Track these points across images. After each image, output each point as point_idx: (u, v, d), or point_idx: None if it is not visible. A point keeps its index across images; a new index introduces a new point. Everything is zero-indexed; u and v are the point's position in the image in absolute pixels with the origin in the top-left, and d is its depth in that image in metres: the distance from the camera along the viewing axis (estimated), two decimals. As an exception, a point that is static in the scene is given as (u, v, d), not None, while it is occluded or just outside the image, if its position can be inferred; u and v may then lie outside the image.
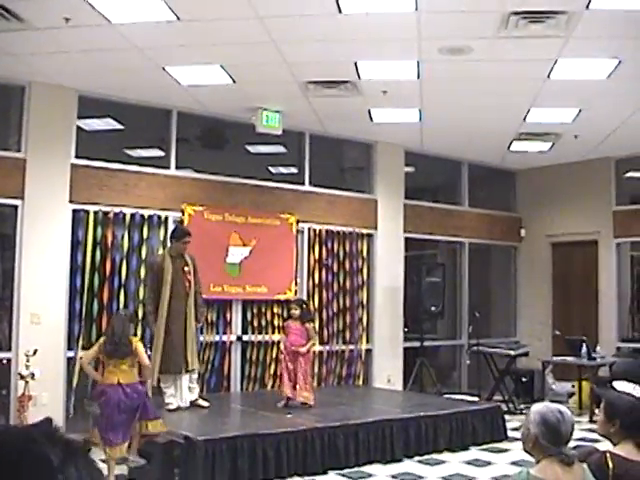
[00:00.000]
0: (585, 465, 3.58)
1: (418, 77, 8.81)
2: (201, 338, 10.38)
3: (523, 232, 14.66)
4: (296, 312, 9.66)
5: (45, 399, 8.89)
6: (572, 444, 3.59)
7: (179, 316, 8.89)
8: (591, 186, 13.48)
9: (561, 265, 14.22)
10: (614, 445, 3.98)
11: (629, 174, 13.43)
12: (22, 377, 8.55)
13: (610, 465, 3.74)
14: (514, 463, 8.16)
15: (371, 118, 10.73)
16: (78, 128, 9.74)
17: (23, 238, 9.12)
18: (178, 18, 7.09)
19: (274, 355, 10.82)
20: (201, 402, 9.11)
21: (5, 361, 9.10)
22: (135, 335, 8.11)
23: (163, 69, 8.67)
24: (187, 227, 9.76)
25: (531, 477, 3.31)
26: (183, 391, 8.94)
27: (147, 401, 7.20)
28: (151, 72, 8.77)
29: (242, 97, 9.84)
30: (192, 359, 8.95)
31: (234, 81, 9.07)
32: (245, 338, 10.73)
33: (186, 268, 8.92)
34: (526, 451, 3.60)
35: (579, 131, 11.28)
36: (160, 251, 9.72)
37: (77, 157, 9.61)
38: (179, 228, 9.61)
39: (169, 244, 9.36)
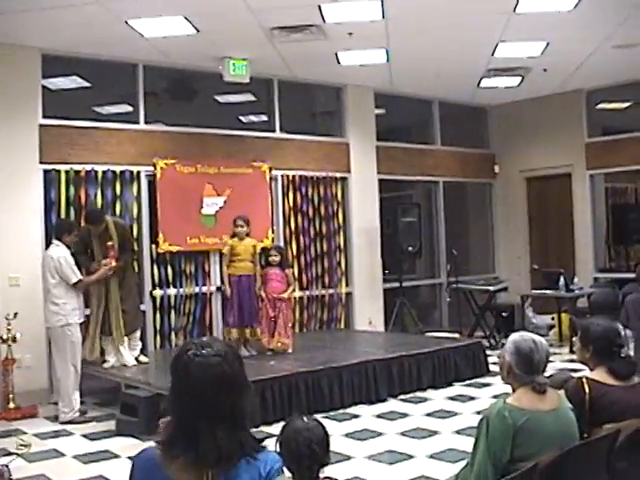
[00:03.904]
0: (561, 392, 3.66)
1: (383, 17, 8.72)
2: (181, 291, 10.45)
3: (497, 168, 14.69)
4: (276, 259, 9.72)
5: (29, 361, 8.91)
6: (549, 373, 3.66)
7: (101, 288, 8.92)
8: (563, 119, 13.49)
9: (536, 199, 14.30)
10: (591, 371, 4.07)
11: (600, 105, 13.46)
12: (4, 341, 8.54)
13: (586, 390, 3.83)
14: (496, 397, 8.22)
15: (338, 61, 10.65)
16: (44, 88, 9.61)
17: (-5, 201, 9.06)
18: (136, -31, 6.99)
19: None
20: (142, 358, 9.22)
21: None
22: None
23: (126, 23, 8.54)
24: (96, 212, 9.36)
25: (507, 406, 3.38)
26: (122, 352, 8.96)
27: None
28: (113, 26, 8.64)
29: (208, 47, 9.73)
30: (120, 326, 8.91)
31: (198, 31, 8.96)
32: (224, 289, 10.75)
33: (109, 243, 8.82)
34: (503, 380, 3.67)
35: (548, 64, 11.25)
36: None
37: (45, 117, 9.51)
38: (87, 213, 9.38)
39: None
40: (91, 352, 8.88)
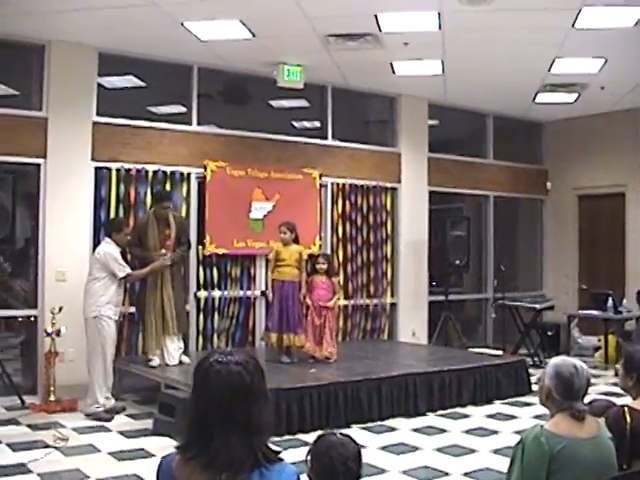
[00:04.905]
0: (601, 420, 3.57)
1: (439, 28, 8.66)
2: (225, 294, 10.47)
3: (549, 185, 14.50)
4: (324, 267, 9.69)
5: (71, 355, 8.97)
6: (592, 397, 3.57)
7: (157, 281, 8.89)
8: (618, 138, 13.28)
9: (588, 218, 14.09)
10: (633, 399, 3.97)
11: (657, 125, 13.24)
12: (48, 334, 8.64)
13: (628, 419, 3.73)
14: (537, 417, 8.14)
15: (393, 71, 10.60)
16: (100, 86, 9.72)
17: (46, 196, 9.17)
18: (195, -28, 7.01)
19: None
20: (183, 358, 9.16)
21: (32, 318, 9.22)
22: None
23: (182, 25, 8.59)
24: (169, 192, 9.75)
25: (544, 431, 3.30)
26: (168, 350, 8.96)
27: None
28: (170, 28, 8.69)
29: (262, 52, 9.74)
30: (172, 323, 8.91)
31: (254, 35, 8.97)
32: (268, 293, 10.74)
33: (167, 232, 8.92)
34: (542, 404, 3.59)
35: (605, 82, 11.08)
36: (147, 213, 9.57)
37: (99, 115, 9.61)
38: (158, 192, 9.59)
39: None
40: (152, 349, 8.94)
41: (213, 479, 2.31)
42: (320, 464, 2.99)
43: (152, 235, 8.91)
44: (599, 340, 12.28)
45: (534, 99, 12.33)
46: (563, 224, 14.32)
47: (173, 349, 8.99)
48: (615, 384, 9.68)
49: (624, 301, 11.95)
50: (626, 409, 3.80)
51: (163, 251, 8.84)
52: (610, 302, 11.55)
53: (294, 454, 6.82)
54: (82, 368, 8.89)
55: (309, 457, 3.04)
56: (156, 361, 8.90)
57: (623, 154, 13.26)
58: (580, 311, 12.72)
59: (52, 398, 8.56)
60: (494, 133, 13.80)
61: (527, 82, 11.35)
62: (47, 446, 7.04)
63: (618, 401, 4.33)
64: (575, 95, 11.93)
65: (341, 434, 3.11)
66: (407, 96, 12.26)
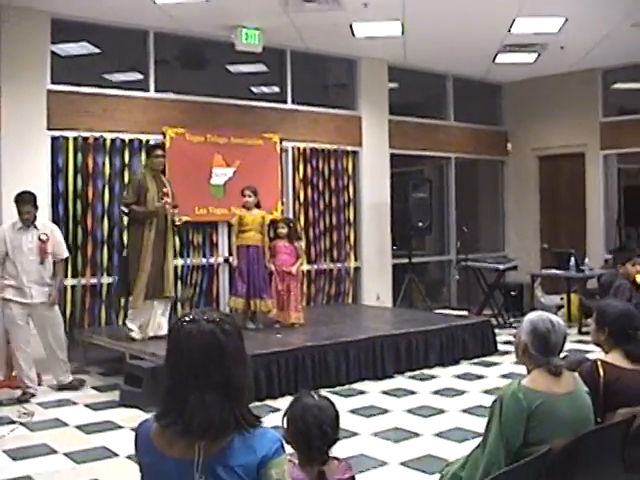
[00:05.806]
0: (576, 374, 3.55)
1: (400, -12, 8.59)
2: (188, 262, 10.37)
3: (509, 146, 14.51)
4: (284, 231, 9.63)
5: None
6: (564, 353, 3.55)
7: (158, 239, 8.65)
8: (578, 98, 13.31)
9: (548, 178, 14.15)
10: (605, 354, 3.98)
11: (616, 85, 13.28)
12: (10, 309, 8.47)
13: (601, 373, 3.74)
14: (504, 376, 8.18)
15: (353, 33, 10.47)
16: (53, 53, 9.49)
17: (2, 167, 8.95)
18: None
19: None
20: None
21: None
22: None
23: (137, -13, 8.42)
24: (158, 142, 9.72)
25: (522, 387, 3.27)
26: (156, 319, 8.71)
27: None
28: (125, -9, 8.52)
29: (220, 14, 9.57)
30: (167, 286, 8.74)
31: (210, -3, 8.82)
32: (232, 260, 10.65)
33: (165, 189, 8.70)
34: (518, 360, 3.56)
35: (565, 42, 11.06)
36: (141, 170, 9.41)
37: (53, 83, 9.39)
38: (148, 145, 9.51)
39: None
40: (135, 311, 8.67)
41: (192, 445, 2.23)
42: (295, 427, 2.95)
43: (152, 190, 8.62)
44: (562, 299, 12.37)
45: (494, 60, 12.25)
46: (524, 185, 14.37)
47: (160, 314, 8.71)
48: (579, 341, 9.80)
49: (586, 260, 12.02)
50: (599, 363, 3.80)
51: (163, 200, 8.57)
52: (572, 261, 11.61)
53: (264, 420, 6.79)
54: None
55: (285, 419, 2.98)
56: (137, 332, 8.60)
57: (582, 114, 13.31)
58: (543, 270, 12.79)
59: (15, 373, 8.40)
60: (454, 95, 13.75)
61: (487, 43, 11.29)
62: (12, 422, 6.94)
63: (591, 357, 4.33)
64: (535, 55, 11.88)
65: (320, 396, 3.05)
66: (367, 59, 12.16)
